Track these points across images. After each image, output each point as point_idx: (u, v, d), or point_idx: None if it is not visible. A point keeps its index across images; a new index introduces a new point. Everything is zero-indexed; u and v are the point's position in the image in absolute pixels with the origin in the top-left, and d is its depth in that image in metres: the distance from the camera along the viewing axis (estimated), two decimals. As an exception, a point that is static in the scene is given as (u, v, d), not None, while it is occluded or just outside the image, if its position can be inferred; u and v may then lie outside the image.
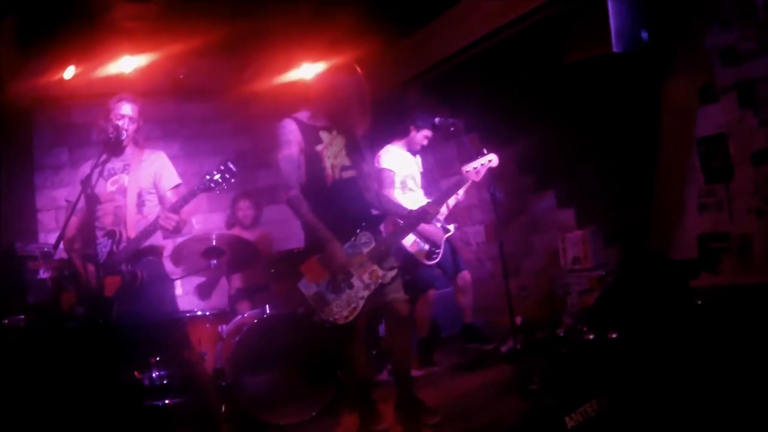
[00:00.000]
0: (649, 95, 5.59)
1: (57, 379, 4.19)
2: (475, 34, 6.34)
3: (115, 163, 4.76)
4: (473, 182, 5.24)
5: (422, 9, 6.64)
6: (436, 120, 5.61)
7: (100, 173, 4.65)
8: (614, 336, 4.33)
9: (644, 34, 5.13)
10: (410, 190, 6.00)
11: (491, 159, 5.19)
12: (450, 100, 7.64)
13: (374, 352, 5.81)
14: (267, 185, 7.75)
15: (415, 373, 5.04)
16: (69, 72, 6.40)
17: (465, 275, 6.16)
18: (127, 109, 4.73)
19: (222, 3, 6.00)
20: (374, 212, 4.64)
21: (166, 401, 4.78)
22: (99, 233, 4.59)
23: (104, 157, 4.67)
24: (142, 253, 4.60)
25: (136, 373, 4.78)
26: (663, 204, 5.66)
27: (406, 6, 6.56)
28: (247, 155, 7.79)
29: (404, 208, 4.82)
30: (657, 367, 3.81)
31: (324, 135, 4.42)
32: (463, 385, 5.47)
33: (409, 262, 5.71)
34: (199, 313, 5.56)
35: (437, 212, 4.78)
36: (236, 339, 5.20)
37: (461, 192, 5.68)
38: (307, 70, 7.26)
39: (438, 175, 7.87)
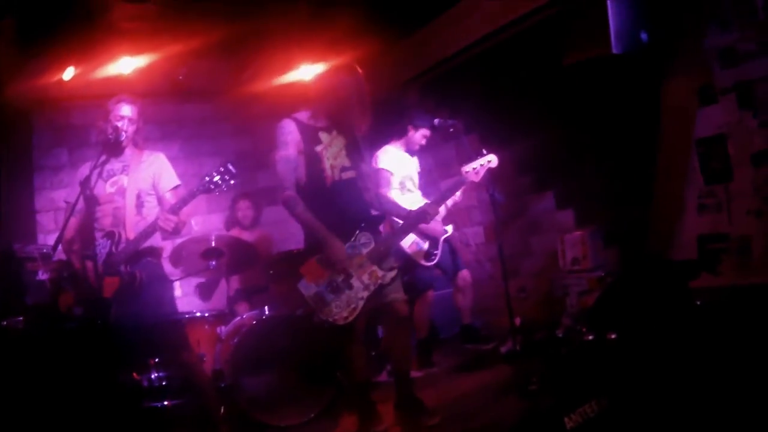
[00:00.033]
0: (649, 96, 5.59)
1: (56, 381, 4.18)
2: (475, 34, 6.35)
3: (115, 165, 4.75)
4: (473, 183, 5.24)
5: (421, 10, 6.64)
6: (436, 121, 5.61)
7: (99, 174, 4.65)
8: (613, 337, 4.33)
9: (643, 35, 5.13)
10: (409, 191, 6.01)
11: (491, 159, 5.19)
12: (449, 100, 7.64)
13: (373, 353, 5.80)
14: (266, 186, 7.74)
15: (414, 374, 5.04)
16: (68, 73, 6.39)
17: (465, 274, 6.16)
18: (126, 110, 4.72)
19: (221, 4, 6.00)
20: (374, 213, 4.64)
21: (165, 403, 4.79)
22: (98, 234, 4.59)
23: (103, 158, 4.67)
24: (141, 254, 4.60)
25: (135, 374, 4.78)
26: (662, 205, 5.66)
27: (405, 7, 6.56)
28: (247, 156, 7.79)
29: (404, 209, 4.82)
30: (656, 368, 3.81)
31: (323, 136, 4.42)
32: (462, 385, 5.47)
33: (408, 263, 5.71)
34: (198, 314, 5.55)
35: (437, 213, 4.79)
36: (235, 340, 5.20)
37: (458, 193, 5.68)
38: (306, 71, 7.26)
39: (437, 176, 7.87)
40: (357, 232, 4.39)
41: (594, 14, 5.05)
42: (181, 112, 7.98)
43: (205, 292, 7.09)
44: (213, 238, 5.81)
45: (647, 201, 5.72)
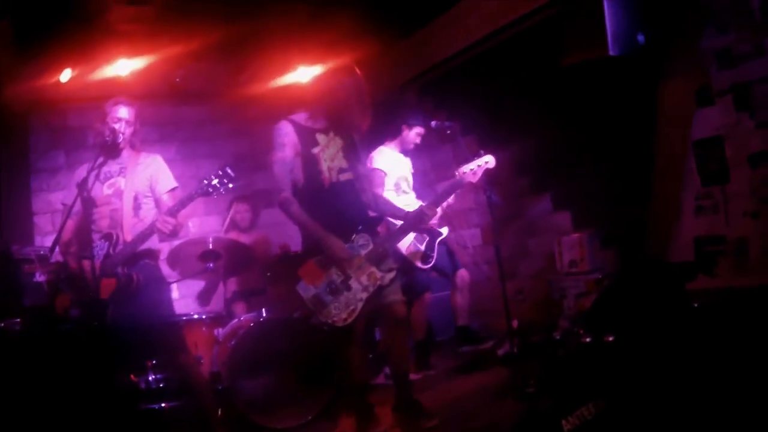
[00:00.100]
0: (646, 98, 5.59)
1: (53, 383, 4.18)
2: (472, 36, 6.36)
3: (112, 166, 4.75)
4: (470, 184, 5.24)
5: (419, 11, 6.65)
6: (433, 123, 5.61)
7: (97, 176, 4.65)
8: (611, 339, 4.32)
9: (640, 37, 5.14)
10: (404, 192, 6.01)
11: (488, 160, 5.19)
12: (447, 102, 7.64)
13: (371, 356, 5.80)
14: (264, 188, 7.74)
15: (411, 376, 5.04)
16: (65, 75, 6.40)
17: (463, 274, 6.17)
18: (123, 112, 4.71)
19: (219, 5, 6.00)
20: (371, 214, 4.64)
21: (163, 405, 4.80)
22: (95, 236, 4.58)
23: (100, 160, 4.66)
24: (139, 256, 4.59)
25: (132, 376, 4.79)
26: (659, 206, 5.66)
27: (404, 8, 6.57)
28: (244, 158, 7.78)
29: (401, 210, 4.82)
30: (654, 370, 3.80)
31: (320, 137, 4.42)
32: (459, 388, 5.47)
33: (406, 265, 5.70)
34: (196, 316, 5.56)
35: (434, 214, 4.80)
36: (232, 342, 5.20)
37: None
38: (304, 73, 7.26)
39: (434, 178, 7.88)
40: (355, 233, 4.39)
41: (591, 16, 5.05)
42: (178, 114, 7.98)
43: (205, 297, 7.11)
44: (210, 240, 5.81)
45: (644, 203, 5.73)
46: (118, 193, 4.66)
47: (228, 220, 7.05)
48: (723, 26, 5.20)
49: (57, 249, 4.61)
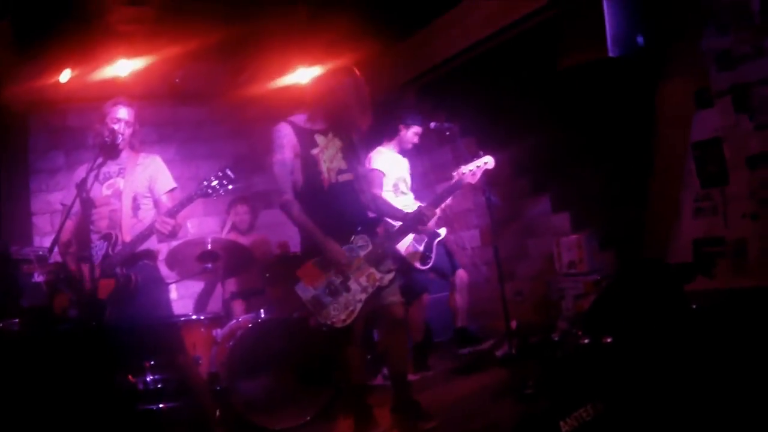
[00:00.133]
0: (645, 99, 5.59)
1: (51, 383, 4.18)
2: (471, 38, 6.36)
3: (111, 167, 4.75)
4: (469, 185, 5.24)
5: (418, 12, 6.65)
6: (432, 124, 5.60)
7: (96, 177, 4.65)
8: (609, 340, 4.32)
9: (640, 39, 5.14)
10: (402, 193, 6.01)
11: (487, 161, 5.19)
12: (446, 103, 7.65)
13: (369, 357, 5.80)
14: (263, 189, 7.74)
15: (410, 377, 5.04)
16: (65, 75, 6.40)
17: (462, 274, 6.17)
18: (123, 112, 4.72)
19: (218, 6, 6.00)
20: (370, 215, 4.64)
21: (161, 405, 4.77)
22: (94, 237, 4.59)
23: (100, 160, 4.67)
24: (138, 257, 4.59)
25: (130, 377, 4.77)
26: (658, 208, 5.66)
27: (402, 10, 6.57)
28: (243, 159, 7.78)
29: (400, 211, 4.82)
30: (652, 372, 3.80)
31: (320, 138, 4.42)
32: (458, 389, 5.47)
33: (404, 266, 5.70)
34: (194, 317, 5.57)
35: (434, 214, 4.79)
36: (231, 343, 5.20)
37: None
38: (303, 74, 7.27)
39: (433, 179, 7.87)
40: (354, 234, 4.39)
41: (590, 18, 5.05)
42: (177, 115, 7.98)
43: (202, 301, 7.13)
44: (209, 241, 5.81)
45: (643, 204, 5.73)
46: (117, 194, 4.66)
47: (229, 223, 7.05)
48: (722, 28, 5.19)
49: (56, 249, 4.61)
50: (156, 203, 4.76)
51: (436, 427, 4.40)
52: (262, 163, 7.12)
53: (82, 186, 4.42)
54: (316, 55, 6.88)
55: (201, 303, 7.23)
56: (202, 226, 7.78)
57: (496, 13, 6.00)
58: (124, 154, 4.79)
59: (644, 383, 3.73)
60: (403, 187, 6.03)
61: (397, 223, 4.82)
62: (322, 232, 4.27)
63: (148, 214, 4.71)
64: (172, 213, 4.44)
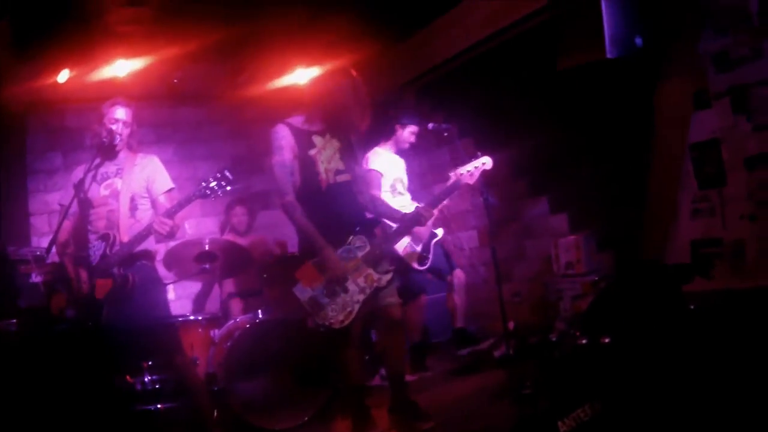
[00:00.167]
0: (643, 101, 5.59)
1: (49, 384, 4.18)
2: (470, 39, 6.37)
3: (109, 167, 4.75)
4: (467, 186, 5.24)
5: (417, 14, 6.65)
6: (430, 125, 5.61)
7: (93, 177, 4.65)
8: (607, 341, 4.33)
9: (638, 40, 5.14)
10: (399, 193, 6.01)
11: (485, 162, 5.19)
12: (444, 104, 7.65)
13: (367, 357, 5.80)
14: (261, 190, 7.74)
15: (407, 378, 5.04)
16: (63, 75, 6.39)
17: (459, 274, 6.18)
18: (120, 113, 4.72)
19: (217, 7, 5.99)
20: (368, 216, 4.64)
21: (158, 406, 4.78)
22: (92, 237, 4.59)
23: (97, 161, 4.67)
24: (135, 257, 4.59)
25: (128, 377, 4.77)
26: (656, 209, 5.66)
27: (402, 11, 6.57)
28: (242, 160, 7.77)
29: (398, 212, 4.82)
30: (650, 372, 3.81)
31: (317, 139, 4.42)
32: (456, 389, 5.48)
33: (402, 267, 5.70)
34: (192, 317, 5.57)
35: (431, 215, 4.79)
36: (228, 344, 5.20)
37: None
38: (302, 75, 7.26)
39: (431, 180, 7.88)
40: (352, 235, 4.39)
41: (589, 19, 5.05)
42: (176, 116, 7.98)
43: (199, 302, 7.12)
44: (207, 241, 5.81)
45: (641, 205, 5.73)
46: (115, 194, 4.66)
47: (228, 226, 7.06)
48: (721, 29, 5.19)
49: (53, 250, 4.62)
50: (153, 203, 4.76)
51: (434, 428, 4.40)
52: (260, 164, 7.15)
53: (79, 186, 4.42)
54: (315, 55, 6.87)
55: (199, 303, 7.23)
56: (200, 226, 7.77)
57: (494, 14, 6.00)
58: (122, 155, 4.79)
59: (642, 384, 3.73)
60: (400, 188, 6.03)
61: (395, 224, 4.83)
62: (323, 239, 4.28)
63: (145, 214, 4.71)
64: (171, 213, 4.44)
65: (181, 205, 4.46)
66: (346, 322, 4.25)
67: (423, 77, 7.32)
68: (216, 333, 5.41)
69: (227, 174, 4.45)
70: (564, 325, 5.75)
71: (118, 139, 4.67)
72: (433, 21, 6.75)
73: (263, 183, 7.75)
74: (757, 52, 4.99)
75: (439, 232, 5.97)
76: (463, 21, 6.39)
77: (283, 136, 4.39)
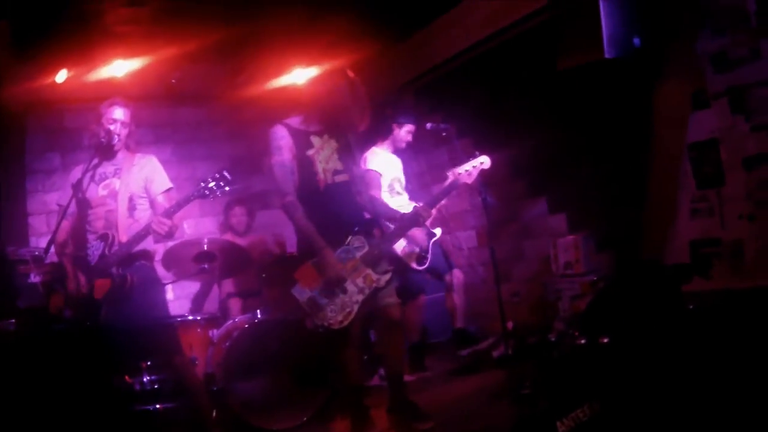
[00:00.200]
0: (642, 101, 5.60)
1: (48, 384, 4.17)
2: (469, 39, 6.37)
3: (107, 168, 4.75)
4: (465, 185, 5.24)
5: (417, 14, 6.65)
6: (428, 125, 5.61)
7: (92, 177, 4.65)
8: (606, 341, 4.33)
9: (636, 40, 5.14)
10: (397, 193, 6.00)
11: (483, 161, 5.18)
12: (443, 104, 7.65)
13: (366, 357, 5.80)
14: (260, 190, 7.73)
15: (406, 378, 5.04)
16: (61, 76, 6.39)
17: (457, 273, 6.16)
18: (119, 113, 4.71)
19: (215, 7, 5.99)
20: (367, 216, 4.64)
21: (157, 406, 4.78)
22: (91, 237, 4.59)
23: (96, 161, 4.67)
24: (134, 257, 4.59)
25: (127, 377, 4.77)
26: (655, 209, 5.67)
27: (401, 11, 6.57)
28: (241, 160, 7.76)
29: (397, 212, 4.83)
30: (649, 372, 3.81)
31: (315, 140, 4.43)
32: (455, 390, 5.48)
33: (400, 267, 5.69)
34: (190, 317, 5.56)
35: (430, 215, 4.80)
36: (227, 344, 5.19)
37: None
38: (300, 75, 7.26)
39: (429, 180, 7.87)
40: (350, 235, 4.39)
41: (587, 19, 5.05)
42: (174, 116, 7.97)
43: (198, 302, 7.11)
44: (205, 241, 5.81)
45: (640, 205, 5.73)
46: (113, 194, 4.66)
47: (227, 226, 7.05)
48: (719, 29, 5.20)
49: (52, 250, 4.61)
50: (152, 204, 4.76)
51: (433, 428, 4.39)
52: (259, 165, 7.14)
53: (77, 186, 4.42)
54: (314, 56, 6.87)
55: (197, 303, 7.22)
56: (199, 226, 7.76)
57: (495, 13, 6.00)
58: (120, 155, 4.79)
59: (641, 384, 3.74)
60: (398, 188, 6.03)
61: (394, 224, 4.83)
62: (322, 240, 4.28)
63: (144, 214, 4.71)
64: (169, 213, 4.44)
65: (179, 205, 4.46)
66: (345, 323, 4.25)
67: (422, 77, 7.32)
68: (215, 333, 5.40)
69: (226, 174, 4.45)
70: (563, 325, 5.75)
71: (117, 140, 4.67)
72: (432, 21, 6.74)
73: (262, 183, 7.74)
74: (755, 52, 4.99)
75: (438, 231, 5.97)
76: (463, 21, 6.39)
77: (282, 137, 4.39)
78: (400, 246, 5.69)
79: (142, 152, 4.93)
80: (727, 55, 5.17)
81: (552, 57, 5.39)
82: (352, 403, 4.60)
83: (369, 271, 4.35)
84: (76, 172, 4.71)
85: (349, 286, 4.30)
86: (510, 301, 6.73)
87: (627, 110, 5.70)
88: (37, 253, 5.45)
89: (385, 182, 5.90)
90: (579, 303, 5.84)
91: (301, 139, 4.41)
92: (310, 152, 4.39)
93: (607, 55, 4.97)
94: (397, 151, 6.19)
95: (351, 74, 4.46)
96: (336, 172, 4.42)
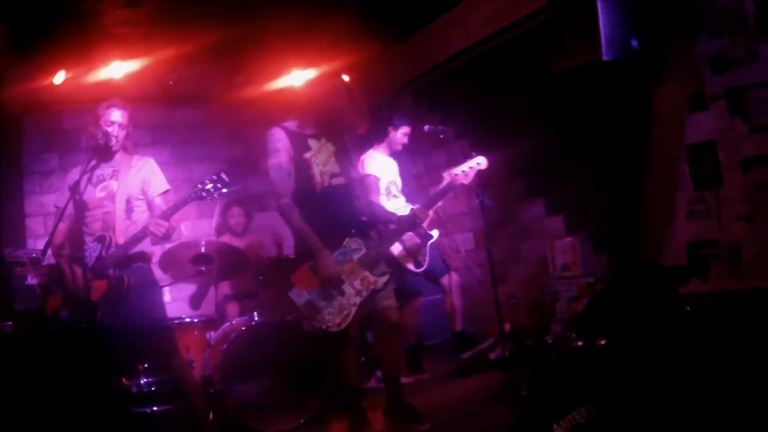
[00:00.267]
0: (639, 103, 5.59)
1: (45, 386, 4.17)
2: (467, 41, 6.38)
3: (104, 169, 4.74)
4: (462, 186, 5.23)
5: (416, 14, 6.65)
6: (426, 127, 5.61)
7: (89, 179, 4.65)
8: (603, 343, 4.33)
9: (634, 42, 5.13)
10: (394, 196, 6.01)
11: (480, 162, 5.19)
12: (441, 106, 7.65)
13: (363, 359, 5.79)
14: (257, 192, 7.73)
15: (403, 380, 5.04)
16: (59, 77, 6.38)
17: (454, 276, 6.15)
18: (116, 115, 4.71)
19: (213, 9, 5.98)
20: (364, 218, 4.64)
21: (154, 408, 4.79)
22: (88, 239, 4.58)
23: (93, 163, 4.66)
24: (131, 259, 4.59)
25: (124, 379, 4.77)
26: (652, 211, 5.66)
27: (399, 12, 6.57)
28: (238, 162, 7.78)
29: (394, 214, 4.83)
30: (646, 374, 3.81)
31: (312, 143, 4.44)
32: (452, 392, 5.47)
33: (397, 269, 5.68)
34: (187, 320, 5.55)
35: (427, 216, 4.81)
36: (224, 346, 5.19)
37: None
38: (298, 77, 7.25)
39: (427, 182, 7.87)
40: (348, 237, 4.39)
41: (585, 21, 5.04)
42: (172, 118, 7.97)
43: (196, 301, 7.09)
44: (203, 243, 5.80)
45: (637, 207, 5.73)
46: (111, 196, 4.66)
47: (215, 221, 7.03)
48: (717, 31, 5.20)
49: (49, 251, 4.61)
50: (149, 205, 4.75)
51: (430, 430, 4.38)
52: (256, 166, 7.13)
53: (75, 188, 4.41)
54: (313, 57, 6.87)
55: (195, 302, 7.17)
56: (196, 228, 7.76)
57: (491, 16, 6.01)
58: (118, 157, 4.78)
59: (638, 386, 3.73)
60: (394, 191, 6.03)
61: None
62: (320, 241, 4.28)
63: (141, 216, 4.70)
64: (166, 215, 4.44)
65: (177, 207, 4.46)
66: (343, 325, 4.24)
67: (421, 78, 7.32)
68: (212, 335, 5.40)
69: (223, 176, 4.44)
70: (560, 327, 5.74)
71: (114, 141, 4.66)
72: (432, 21, 6.74)
73: (259, 185, 7.74)
74: (753, 54, 4.99)
75: (435, 233, 5.96)
76: (460, 23, 6.39)
77: (279, 139, 4.40)
78: (396, 248, 5.69)
79: (139, 154, 4.93)
80: (725, 57, 5.17)
81: (549, 58, 5.39)
82: (349, 405, 4.60)
83: (366, 273, 4.35)
84: (74, 174, 4.70)
85: (347, 289, 4.30)
86: (507, 303, 6.72)
87: (625, 112, 5.70)
88: (34, 254, 5.45)
89: (382, 185, 5.90)
90: (576, 305, 5.84)
91: (299, 142, 4.41)
92: (308, 155, 4.39)
93: (604, 57, 4.96)
94: (393, 154, 6.19)
95: (346, 78, 4.47)
96: (333, 175, 4.42)
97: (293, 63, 7.13)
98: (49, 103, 7.10)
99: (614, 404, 3.68)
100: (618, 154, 5.80)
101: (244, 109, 7.70)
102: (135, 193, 4.72)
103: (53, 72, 6.34)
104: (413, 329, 6.08)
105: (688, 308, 4.53)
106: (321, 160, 4.41)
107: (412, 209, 4.79)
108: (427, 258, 5.85)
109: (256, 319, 5.46)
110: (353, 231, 4.42)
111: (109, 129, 4.65)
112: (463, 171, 5.15)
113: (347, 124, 4.46)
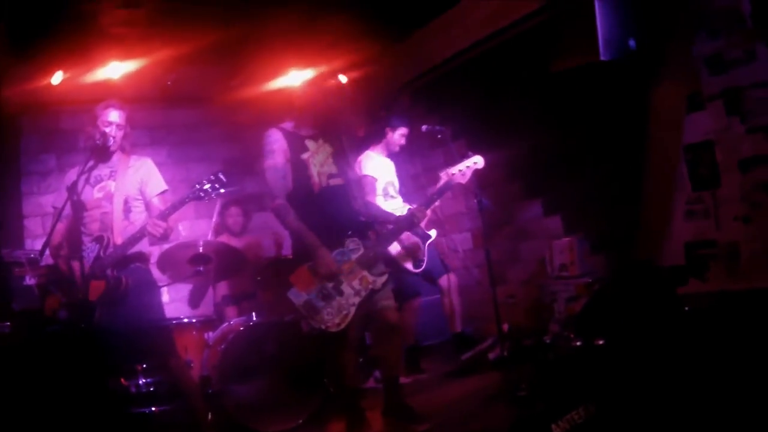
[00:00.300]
0: (637, 103, 5.60)
1: (43, 387, 4.17)
2: (465, 41, 6.37)
3: (102, 170, 4.74)
4: (460, 186, 5.24)
5: (415, 14, 6.64)
6: (424, 127, 5.61)
7: (87, 180, 4.64)
8: (601, 343, 4.34)
9: (632, 42, 5.14)
10: (391, 196, 6.01)
11: (477, 161, 5.19)
12: (440, 106, 7.65)
13: (361, 360, 5.79)
14: (255, 192, 7.73)
15: (401, 380, 5.03)
16: (57, 77, 6.38)
17: (452, 277, 6.14)
18: (114, 116, 4.71)
19: (212, 9, 5.98)
20: (362, 219, 4.64)
21: (153, 409, 4.79)
22: (86, 239, 4.57)
23: (91, 163, 4.66)
24: (129, 260, 4.58)
25: (122, 380, 4.77)
26: (650, 211, 5.66)
27: (398, 12, 6.57)
28: (236, 162, 7.77)
29: (392, 215, 4.83)
30: (644, 374, 3.81)
31: (310, 143, 4.44)
32: (451, 392, 5.47)
33: (396, 269, 5.68)
34: (186, 320, 5.55)
35: (425, 215, 4.81)
36: (222, 346, 5.19)
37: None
38: (296, 77, 7.25)
39: (425, 182, 7.87)
40: (346, 238, 4.39)
41: (582, 22, 5.05)
42: (170, 118, 7.96)
43: (195, 299, 7.08)
44: (201, 243, 5.79)
45: (635, 207, 5.73)
46: (108, 197, 4.66)
47: (214, 222, 7.02)
48: (714, 31, 5.20)
49: (47, 252, 4.60)
50: (147, 206, 4.75)
51: (429, 430, 4.39)
52: (254, 167, 7.13)
53: (73, 189, 4.41)
54: (311, 58, 6.86)
55: (194, 301, 7.15)
56: (194, 228, 7.76)
57: (489, 17, 6.00)
58: (116, 157, 4.78)
59: (636, 386, 3.74)
60: (392, 191, 6.03)
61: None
62: (317, 239, 4.27)
63: (139, 216, 4.70)
64: (164, 216, 4.44)
65: (174, 207, 4.46)
66: (342, 326, 4.24)
67: (421, 78, 7.31)
68: (210, 335, 5.40)
69: (221, 176, 4.44)
70: (558, 327, 5.75)
71: (112, 142, 4.66)
72: (431, 21, 6.74)
73: (257, 185, 7.73)
74: (750, 54, 5.00)
75: (433, 233, 5.96)
76: (462, 21, 6.38)
77: (276, 140, 4.40)
78: (395, 248, 5.69)
79: (137, 154, 4.92)
80: (723, 57, 5.17)
81: (547, 59, 5.39)
82: (348, 406, 4.59)
83: (365, 273, 4.35)
84: (72, 174, 4.69)
85: (346, 289, 4.30)
86: (505, 303, 6.72)
87: (623, 112, 5.70)
88: (32, 255, 5.45)
89: (379, 186, 5.90)
90: (574, 305, 5.85)
91: (296, 143, 4.41)
92: (305, 156, 4.39)
93: (602, 58, 4.96)
94: (390, 155, 6.20)
95: (343, 80, 4.48)
96: (331, 176, 4.43)
97: (292, 63, 7.13)
98: (47, 104, 7.09)
99: (612, 404, 3.68)
100: (616, 155, 5.80)
101: (243, 109, 7.69)
102: (133, 193, 4.72)
103: (51, 72, 6.33)
104: (411, 329, 6.08)
105: (686, 308, 4.54)
106: (318, 160, 4.41)
107: (410, 209, 4.79)
108: (425, 258, 5.85)
109: (254, 319, 5.47)
110: (351, 231, 4.43)
111: (107, 129, 4.65)
112: (460, 170, 5.16)
113: (345, 125, 4.46)
